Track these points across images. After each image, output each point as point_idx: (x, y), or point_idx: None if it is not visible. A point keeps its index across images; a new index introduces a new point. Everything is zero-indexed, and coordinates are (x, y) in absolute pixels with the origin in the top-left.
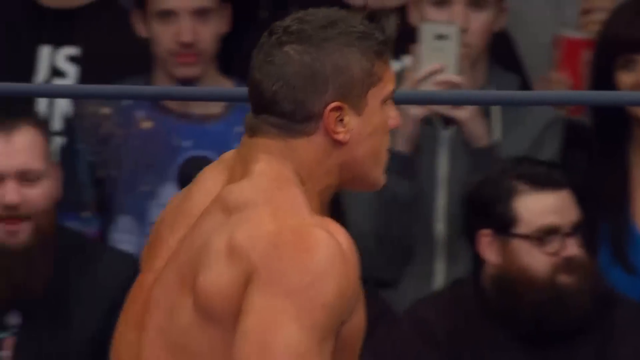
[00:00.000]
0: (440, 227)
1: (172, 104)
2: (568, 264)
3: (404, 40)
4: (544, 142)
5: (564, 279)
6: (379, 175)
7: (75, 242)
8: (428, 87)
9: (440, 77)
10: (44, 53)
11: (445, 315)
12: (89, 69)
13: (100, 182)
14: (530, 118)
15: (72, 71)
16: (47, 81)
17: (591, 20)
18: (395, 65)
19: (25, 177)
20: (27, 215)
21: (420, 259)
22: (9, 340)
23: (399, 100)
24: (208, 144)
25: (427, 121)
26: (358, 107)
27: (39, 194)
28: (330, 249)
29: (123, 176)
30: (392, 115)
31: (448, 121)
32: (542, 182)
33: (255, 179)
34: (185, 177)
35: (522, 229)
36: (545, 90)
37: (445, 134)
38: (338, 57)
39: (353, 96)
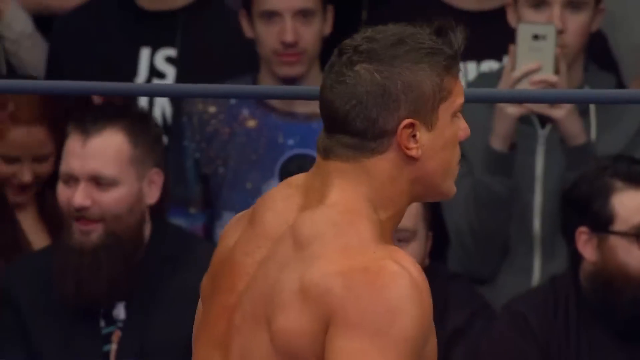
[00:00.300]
0: (537, 223)
1: (276, 103)
2: None
3: (504, 40)
4: (639, 142)
5: None
6: (450, 186)
7: (174, 237)
8: (525, 86)
9: (537, 77)
10: (144, 54)
11: (542, 311)
12: (186, 70)
13: (207, 179)
14: (626, 117)
15: (170, 72)
16: (147, 82)
17: None
18: (495, 66)
19: (97, 181)
20: (98, 218)
21: (518, 255)
22: (117, 333)
23: (497, 99)
24: (311, 142)
25: (524, 120)
26: (429, 122)
27: (112, 199)
28: (403, 281)
29: (228, 173)
30: (462, 127)
31: (544, 120)
32: (639, 179)
33: (328, 210)
34: (288, 174)
35: (619, 226)
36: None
37: (542, 133)
38: (408, 74)
39: (424, 112)
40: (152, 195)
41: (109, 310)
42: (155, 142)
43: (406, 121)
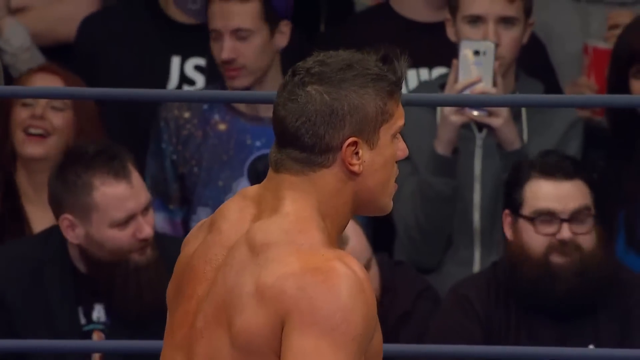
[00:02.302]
0: (476, 218)
1: (243, 108)
2: (562, 246)
3: (453, 49)
4: (567, 142)
5: (556, 258)
6: (387, 202)
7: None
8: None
9: (478, 88)
10: (175, 63)
11: (484, 293)
12: (214, 77)
13: (183, 178)
14: (555, 121)
15: (200, 79)
16: (178, 88)
17: (616, 34)
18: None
19: (147, 209)
20: (151, 240)
21: (460, 247)
22: (98, 334)
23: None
24: None
25: (463, 125)
26: (371, 142)
27: (153, 220)
28: (350, 281)
29: (202, 172)
30: (401, 147)
31: (482, 126)
32: (551, 170)
33: (280, 219)
34: (256, 173)
35: (525, 210)
36: (567, 95)
37: (480, 136)
38: (354, 97)
39: (367, 132)
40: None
41: (88, 310)
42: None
43: (350, 139)
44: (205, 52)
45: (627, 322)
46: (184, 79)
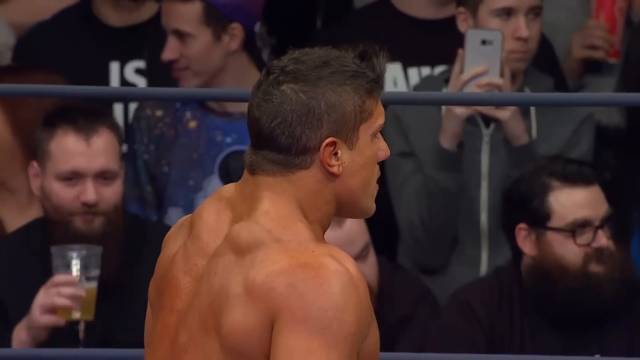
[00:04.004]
0: (483, 217)
1: (213, 104)
2: (599, 255)
3: (455, 47)
4: (578, 138)
5: (595, 268)
6: (370, 204)
7: (138, 226)
8: (472, 89)
9: (484, 79)
10: (114, 69)
11: (487, 300)
12: (156, 79)
13: (154, 178)
14: (565, 116)
15: (141, 83)
16: None
17: None
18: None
19: (103, 177)
20: (103, 212)
21: (466, 247)
22: (82, 323)
23: (446, 101)
24: (247, 140)
25: (469, 120)
26: (350, 142)
27: (114, 192)
28: (342, 277)
29: (172, 172)
30: (382, 147)
31: (489, 120)
32: (574, 178)
33: (261, 219)
34: (227, 171)
35: (555, 222)
36: (578, 93)
37: (487, 132)
38: (332, 95)
39: (345, 131)
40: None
41: None
42: (122, 136)
43: (328, 139)
44: (144, 54)
45: (638, 330)
46: (125, 84)
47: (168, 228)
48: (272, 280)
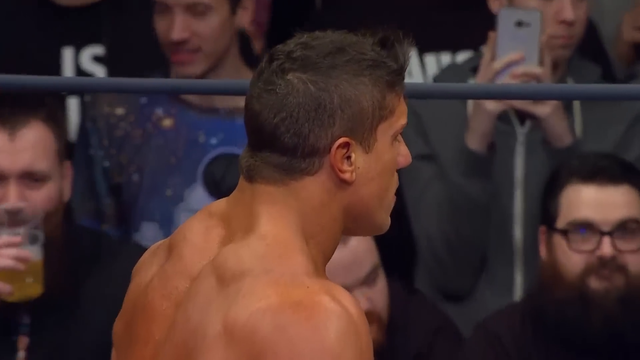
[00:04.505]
0: (517, 231)
1: (193, 99)
2: (601, 267)
3: (482, 29)
4: (630, 140)
5: (594, 283)
6: (384, 219)
7: (91, 240)
8: (505, 80)
9: (520, 68)
10: (67, 56)
11: (517, 331)
12: (117, 68)
13: (119, 189)
14: (615, 111)
15: (100, 72)
16: None
17: None
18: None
19: (30, 178)
20: (30, 218)
21: (497, 267)
22: (23, 340)
23: (474, 94)
24: (237, 140)
25: (501, 117)
26: (366, 143)
27: (44, 196)
28: (340, 320)
29: (144, 180)
30: (403, 152)
31: (524, 116)
32: (592, 173)
33: (255, 243)
34: (212, 178)
35: (560, 222)
36: (630, 85)
37: (522, 131)
38: (346, 87)
39: (361, 131)
40: (67, 190)
41: (13, 318)
42: (66, 132)
43: (341, 140)
44: (103, 37)
45: None
46: (81, 74)
47: (136, 248)
48: (256, 320)
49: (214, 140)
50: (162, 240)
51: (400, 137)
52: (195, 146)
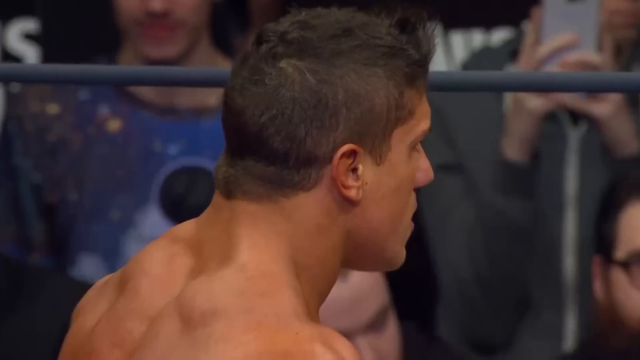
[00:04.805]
0: (569, 263)
1: (149, 95)
2: None
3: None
4: None
5: None
6: (398, 250)
7: (7, 272)
8: (553, 69)
9: (572, 55)
10: None
11: None
12: (54, 49)
13: (52, 210)
14: None
15: (30, 55)
16: None
17: None
18: (506, 35)
19: None
20: None
21: (543, 309)
22: None
23: (512, 86)
24: (203, 148)
25: (551, 118)
26: (378, 153)
27: None
28: None
29: (85, 199)
30: (423, 166)
31: (579, 117)
32: None
33: (232, 276)
34: (172, 197)
35: (618, 252)
36: None
37: (575, 135)
38: (355, 79)
39: (372, 136)
40: None
41: None
42: None
43: (345, 147)
44: (37, 9)
45: None
46: (6, 56)
47: (70, 282)
48: None
49: (173, 149)
50: (112, 274)
51: (420, 147)
52: (149, 156)
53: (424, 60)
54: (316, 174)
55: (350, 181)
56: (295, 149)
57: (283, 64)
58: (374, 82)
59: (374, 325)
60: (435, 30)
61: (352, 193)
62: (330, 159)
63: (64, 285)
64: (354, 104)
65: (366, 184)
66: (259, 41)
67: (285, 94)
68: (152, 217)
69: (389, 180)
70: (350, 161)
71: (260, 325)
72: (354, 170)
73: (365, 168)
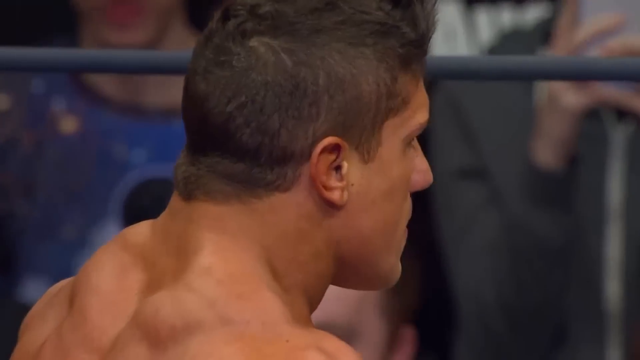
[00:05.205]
0: (612, 289)
1: (111, 91)
2: None
3: None
4: None
5: None
6: (392, 263)
7: None
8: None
9: (617, 41)
10: None
11: None
12: None
13: None
14: None
15: None
16: None
17: None
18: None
19: None
20: None
21: (581, 340)
22: None
23: (545, 74)
24: (173, 155)
25: (591, 116)
26: (365, 148)
27: None
28: None
29: (34, 212)
30: (420, 166)
31: (625, 115)
32: None
33: (197, 282)
34: (136, 210)
35: None
36: None
37: (619, 136)
38: (338, 62)
39: (359, 129)
40: None
41: None
42: None
43: (327, 140)
44: None
45: None
46: None
47: (21, 307)
48: None
49: (139, 155)
50: (66, 281)
51: (416, 143)
52: (110, 163)
53: (421, 40)
54: (293, 173)
55: (333, 181)
56: (268, 143)
57: (254, 42)
58: (361, 64)
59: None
60: (436, 4)
61: (335, 195)
62: (309, 155)
63: (11, 311)
64: (338, 90)
65: (352, 185)
66: (226, 16)
67: (256, 77)
68: (111, 236)
69: (379, 182)
70: (332, 157)
71: (243, 336)
72: (338, 168)
73: (351, 166)
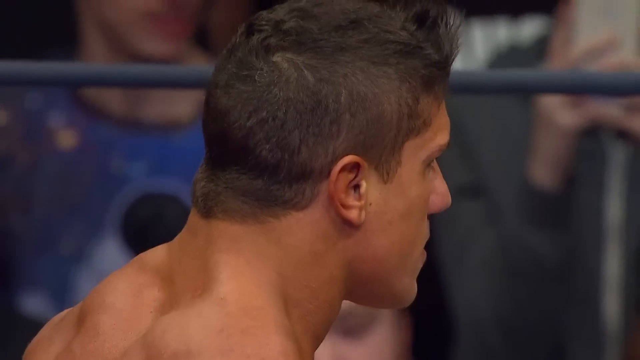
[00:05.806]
0: (611, 307)
1: (109, 104)
2: None
3: None
4: None
5: None
6: (407, 284)
7: None
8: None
9: (613, 60)
10: None
11: None
12: None
13: None
14: None
15: None
16: None
17: None
18: (527, 29)
19: None
20: None
21: (580, 359)
22: None
23: (538, 89)
24: (172, 169)
25: (590, 134)
26: (385, 168)
27: None
28: None
29: (30, 228)
30: (439, 189)
31: (622, 135)
32: None
33: (209, 311)
34: (135, 227)
35: None
36: None
37: (619, 155)
38: (361, 80)
39: (379, 149)
40: None
41: None
42: None
43: (347, 159)
44: None
45: None
46: None
47: (23, 320)
48: None
49: (137, 169)
50: (71, 308)
51: (436, 165)
52: (108, 177)
53: (445, 62)
54: (311, 191)
55: (351, 200)
56: (288, 160)
57: (277, 58)
58: (384, 84)
59: (350, 330)
60: (460, 27)
61: (352, 214)
62: (328, 173)
63: (12, 322)
64: (359, 108)
65: (370, 204)
66: (250, 31)
67: (278, 93)
68: (109, 250)
69: (397, 202)
70: (352, 176)
71: None
72: (356, 187)
73: (370, 185)
